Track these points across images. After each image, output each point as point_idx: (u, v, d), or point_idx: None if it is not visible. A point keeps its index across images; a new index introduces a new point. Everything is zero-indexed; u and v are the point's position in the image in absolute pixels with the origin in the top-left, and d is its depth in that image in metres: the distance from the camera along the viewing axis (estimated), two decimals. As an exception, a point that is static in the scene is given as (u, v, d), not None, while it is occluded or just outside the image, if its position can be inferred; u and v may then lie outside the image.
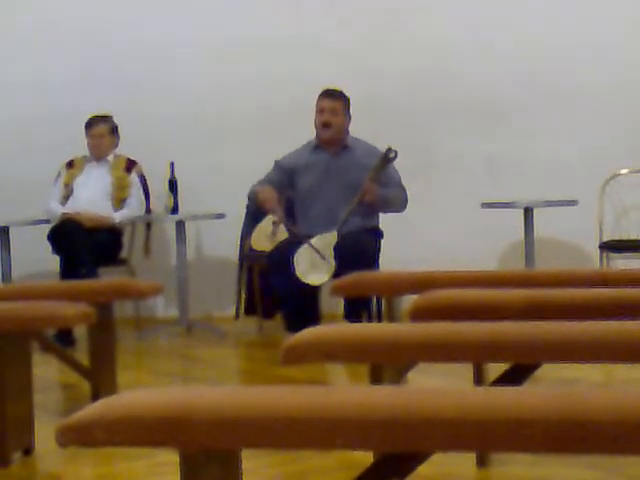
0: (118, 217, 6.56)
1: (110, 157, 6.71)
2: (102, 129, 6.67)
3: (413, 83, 6.95)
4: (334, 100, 6.03)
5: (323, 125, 5.99)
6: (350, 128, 6.10)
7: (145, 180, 6.72)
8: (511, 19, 6.88)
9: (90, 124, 6.67)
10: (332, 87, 6.10)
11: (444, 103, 6.94)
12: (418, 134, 6.94)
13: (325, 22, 7.02)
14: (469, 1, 6.95)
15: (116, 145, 6.74)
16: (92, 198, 6.56)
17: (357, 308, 5.87)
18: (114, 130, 6.71)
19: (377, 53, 6.98)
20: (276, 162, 6.19)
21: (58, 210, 6.55)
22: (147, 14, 7.21)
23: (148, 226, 6.91)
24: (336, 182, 5.97)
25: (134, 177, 6.67)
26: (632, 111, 6.75)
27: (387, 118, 6.89)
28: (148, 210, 6.76)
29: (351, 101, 6.10)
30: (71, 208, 6.52)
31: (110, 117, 6.71)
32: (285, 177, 6.08)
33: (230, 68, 7.12)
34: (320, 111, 6.02)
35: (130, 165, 6.70)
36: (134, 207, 6.62)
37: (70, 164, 6.74)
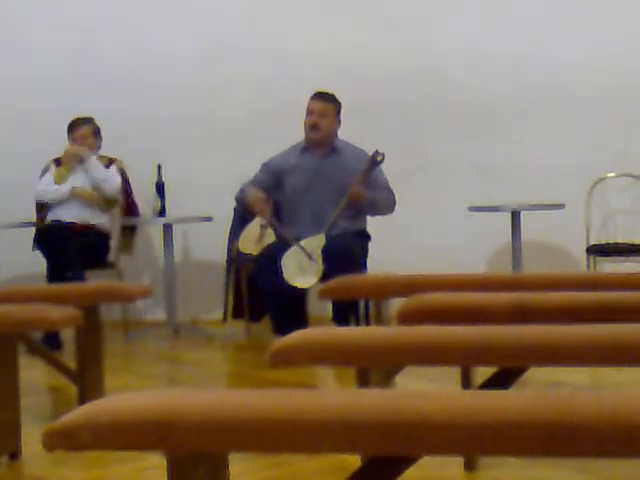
0: (99, 167, 6.48)
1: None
2: (85, 131, 6.64)
3: (404, 87, 6.95)
4: (324, 103, 6.03)
5: (311, 126, 5.99)
6: (342, 131, 6.09)
7: (125, 175, 6.68)
8: (502, 26, 6.89)
9: (73, 126, 6.64)
10: (324, 90, 6.10)
11: (434, 107, 6.95)
12: (408, 137, 6.95)
13: (318, 25, 7.03)
14: (461, 7, 6.96)
15: (99, 147, 6.70)
16: (77, 200, 6.53)
17: (345, 311, 5.86)
18: (97, 132, 6.68)
19: (369, 56, 6.98)
20: (264, 164, 6.18)
21: (52, 188, 6.50)
22: (136, 16, 7.20)
23: (132, 229, 6.88)
24: (324, 184, 5.97)
25: (112, 169, 6.62)
26: (618, 115, 6.77)
27: (378, 121, 6.90)
28: (133, 212, 6.74)
29: (343, 104, 6.10)
30: (59, 211, 6.50)
31: (92, 119, 6.68)
32: (273, 179, 6.08)
33: (219, 71, 7.12)
34: (309, 113, 6.03)
35: (110, 162, 6.66)
36: (113, 173, 6.55)
37: (58, 162, 6.68)
